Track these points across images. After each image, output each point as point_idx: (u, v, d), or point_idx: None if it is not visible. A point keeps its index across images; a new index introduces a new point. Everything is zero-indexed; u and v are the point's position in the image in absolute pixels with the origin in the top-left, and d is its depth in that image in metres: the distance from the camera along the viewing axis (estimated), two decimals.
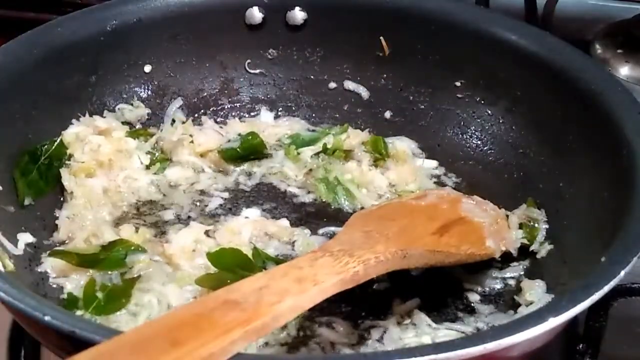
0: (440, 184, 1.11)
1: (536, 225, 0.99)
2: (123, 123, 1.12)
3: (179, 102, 1.18)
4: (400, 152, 1.13)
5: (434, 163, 1.13)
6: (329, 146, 1.12)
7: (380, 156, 1.12)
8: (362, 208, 1.05)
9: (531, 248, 0.98)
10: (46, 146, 1.03)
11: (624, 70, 1.31)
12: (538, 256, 0.97)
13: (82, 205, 1.02)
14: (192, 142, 1.12)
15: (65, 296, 0.91)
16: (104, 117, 1.11)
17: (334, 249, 0.81)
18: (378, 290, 0.92)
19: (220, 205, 1.06)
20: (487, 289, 0.95)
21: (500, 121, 1.11)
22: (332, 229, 1.02)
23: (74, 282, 0.92)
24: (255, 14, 1.17)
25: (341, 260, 0.79)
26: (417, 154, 1.14)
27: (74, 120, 1.07)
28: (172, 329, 0.65)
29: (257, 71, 1.21)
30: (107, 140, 1.07)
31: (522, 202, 1.02)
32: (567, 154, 1.01)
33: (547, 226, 0.99)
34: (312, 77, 1.21)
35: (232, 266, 0.90)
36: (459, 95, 1.14)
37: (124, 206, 1.04)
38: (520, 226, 0.99)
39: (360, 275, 0.79)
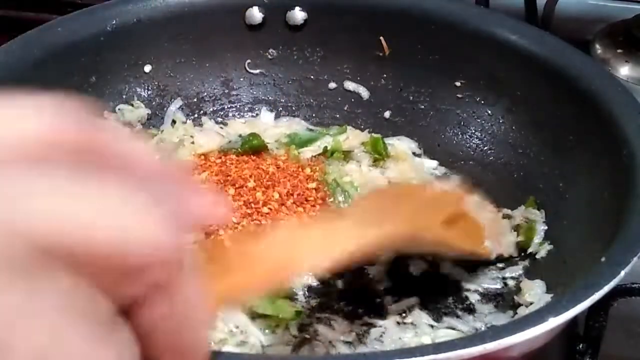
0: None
1: (533, 226, 0.98)
2: (123, 124, 1.12)
3: (179, 102, 1.18)
4: (400, 153, 1.13)
5: (434, 163, 1.13)
6: (328, 148, 1.12)
7: (379, 156, 1.12)
8: None
9: (529, 250, 0.98)
10: None
11: (624, 70, 1.31)
12: (538, 256, 0.97)
13: None
14: (192, 142, 1.12)
15: None
16: (105, 119, 1.10)
17: (342, 223, 0.80)
18: (378, 290, 0.93)
19: None
20: (487, 289, 0.95)
21: (500, 121, 1.11)
22: None
23: None
24: (255, 14, 1.17)
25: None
26: (417, 154, 1.14)
27: None
28: None
29: (257, 71, 1.21)
30: None
31: (522, 202, 1.02)
32: (567, 154, 1.01)
33: (545, 227, 0.98)
34: (312, 77, 1.21)
35: None
36: (459, 95, 1.14)
37: None
38: (517, 228, 0.99)
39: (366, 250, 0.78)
